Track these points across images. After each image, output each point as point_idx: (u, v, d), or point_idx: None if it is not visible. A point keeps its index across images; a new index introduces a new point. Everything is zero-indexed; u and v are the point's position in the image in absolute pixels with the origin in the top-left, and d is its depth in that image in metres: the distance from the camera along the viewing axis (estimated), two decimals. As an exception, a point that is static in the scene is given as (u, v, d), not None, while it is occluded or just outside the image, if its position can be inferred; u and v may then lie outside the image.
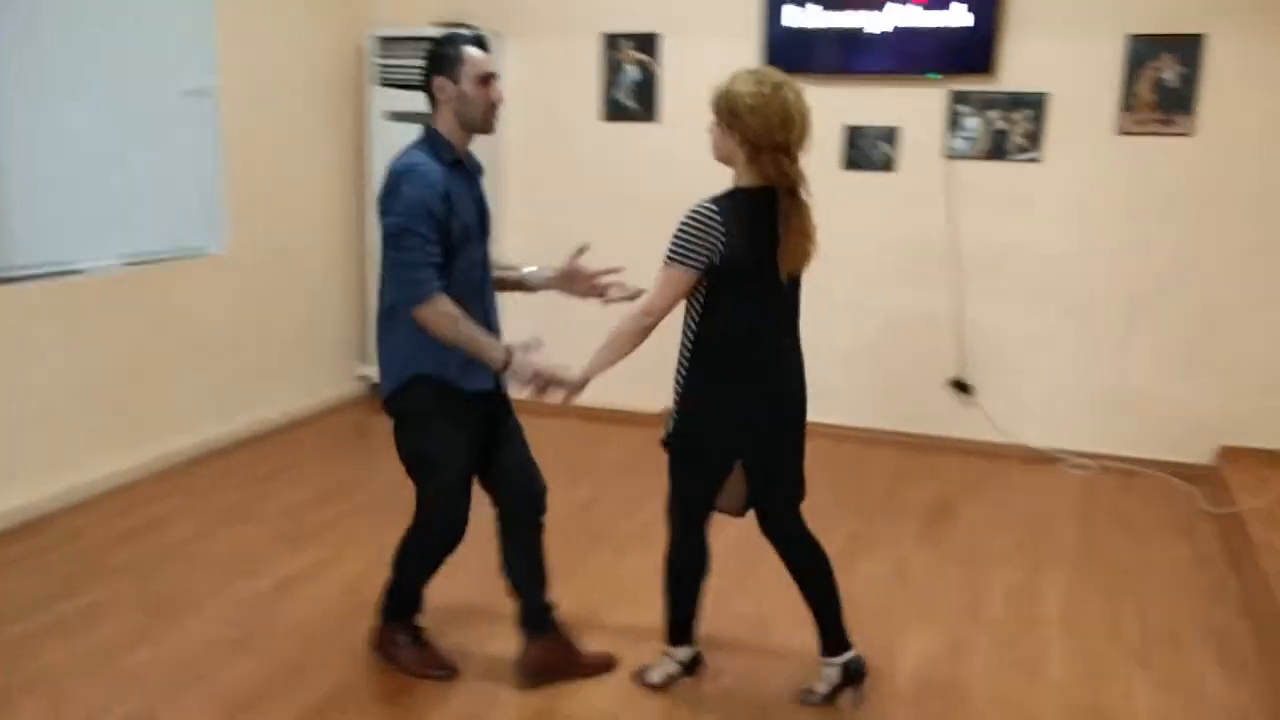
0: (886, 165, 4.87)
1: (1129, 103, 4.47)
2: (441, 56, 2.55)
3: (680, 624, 2.81)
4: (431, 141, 2.60)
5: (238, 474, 4.45)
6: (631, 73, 5.15)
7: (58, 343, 3.97)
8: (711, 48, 5.00)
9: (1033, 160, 4.65)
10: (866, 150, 4.88)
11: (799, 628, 2.91)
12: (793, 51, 4.82)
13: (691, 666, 2.86)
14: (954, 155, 4.76)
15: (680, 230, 2.45)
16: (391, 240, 2.50)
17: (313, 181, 5.29)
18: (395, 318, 2.58)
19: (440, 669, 2.87)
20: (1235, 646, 3.15)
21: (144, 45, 4.27)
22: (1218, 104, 4.37)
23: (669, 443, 2.65)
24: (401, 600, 2.91)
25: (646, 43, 5.08)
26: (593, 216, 5.32)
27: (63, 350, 3.99)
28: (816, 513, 4.08)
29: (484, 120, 2.60)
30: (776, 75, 2.47)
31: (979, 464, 4.79)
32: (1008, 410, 4.90)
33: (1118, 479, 4.61)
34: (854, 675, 2.75)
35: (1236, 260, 4.47)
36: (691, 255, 2.44)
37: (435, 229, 2.48)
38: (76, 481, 4.06)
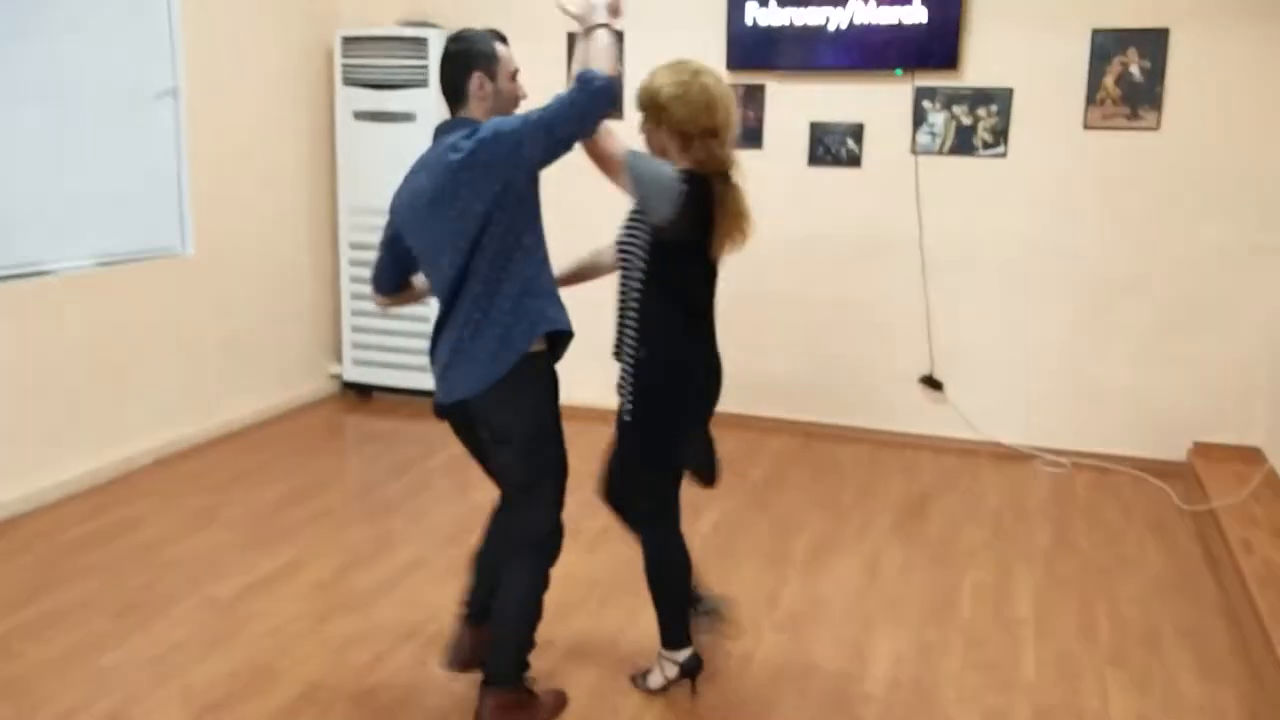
0: (853, 161, 4.86)
1: (1094, 97, 4.47)
2: (479, 53, 2.54)
3: (678, 625, 2.77)
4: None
5: (209, 474, 4.41)
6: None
7: (27, 342, 3.93)
8: (675, 45, 4.94)
9: (999, 155, 4.65)
10: (832, 146, 4.86)
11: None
12: (757, 49, 4.81)
13: (692, 669, 2.78)
14: (920, 151, 4.74)
15: (657, 167, 2.49)
16: (544, 124, 2.37)
17: (282, 181, 5.23)
18: (494, 304, 2.43)
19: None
20: (1212, 645, 3.13)
21: (111, 47, 4.22)
22: (1183, 98, 4.38)
23: (634, 422, 2.64)
24: (518, 656, 2.64)
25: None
26: (560, 215, 5.27)
27: (32, 350, 3.95)
28: (787, 511, 4.11)
29: (511, 114, 2.57)
30: (694, 64, 2.55)
31: (951, 461, 4.78)
32: (979, 407, 4.90)
33: (1091, 476, 4.61)
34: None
35: (1205, 254, 4.48)
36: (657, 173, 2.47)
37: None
38: (46, 482, 4.03)
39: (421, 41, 5.06)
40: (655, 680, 2.79)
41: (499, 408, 2.46)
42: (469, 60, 2.52)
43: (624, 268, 2.61)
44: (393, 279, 2.69)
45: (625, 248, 2.60)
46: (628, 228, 2.61)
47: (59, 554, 3.60)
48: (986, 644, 3.11)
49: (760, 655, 3.00)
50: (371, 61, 5.14)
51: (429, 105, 5.08)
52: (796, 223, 4.99)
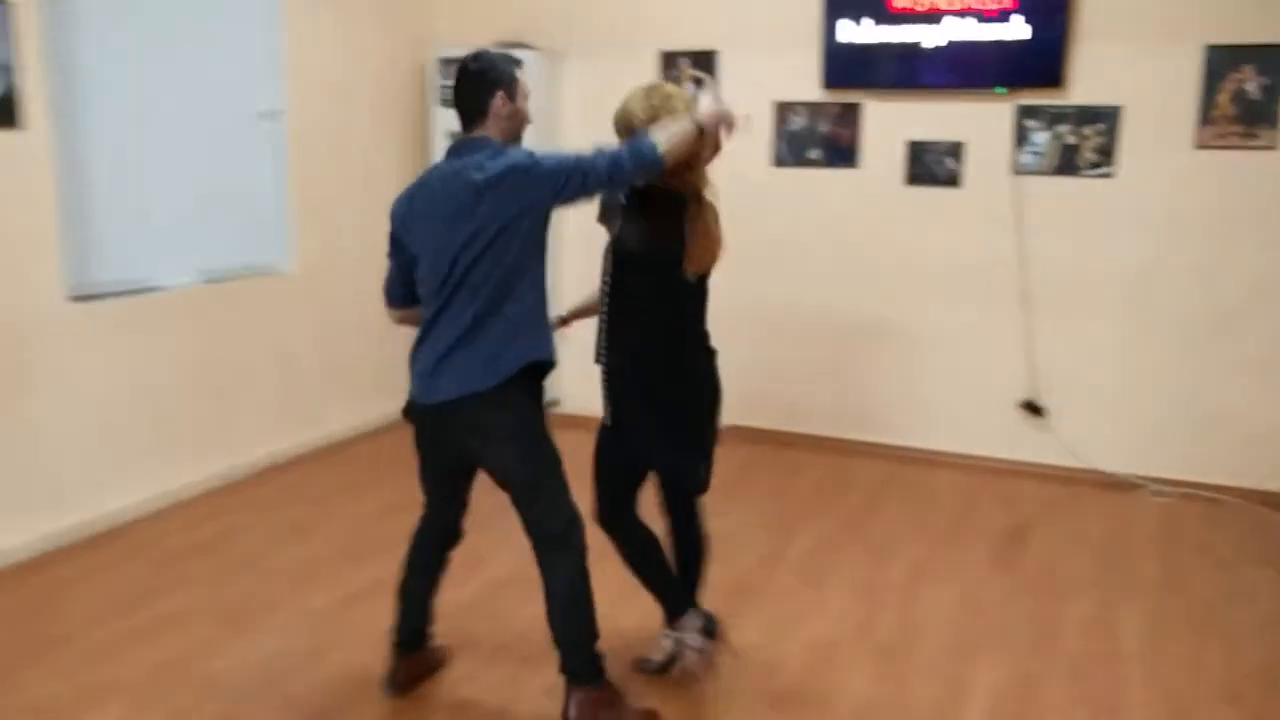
0: (952, 181, 4.77)
1: (1208, 115, 4.31)
2: (504, 74, 2.62)
3: (672, 595, 2.86)
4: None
5: (307, 486, 4.52)
6: (689, 90, 5.12)
7: (136, 356, 4.08)
8: (770, 64, 4.96)
9: (1105, 175, 4.51)
10: (930, 165, 4.79)
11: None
12: (853, 67, 4.76)
13: (710, 630, 2.87)
14: (1022, 170, 4.64)
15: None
16: (582, 172, 2.49)
17: (378, 201, 5.31)
18: (491, 321, 2.51)
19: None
20: (1330, 685, 2.98)
21: (220, 69, 4.39)
22: (1303, 115, 4.20)
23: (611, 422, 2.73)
24: (588, 653, 2.65)
25: (704, 60, 5.05)
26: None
27: (141, 364, 4.10)
28: (881, 537, 4.03)
29: (520, 135, 2.71)
30: (667, 89, 2.66)
31: (1052, 489, 4.64)
32: (1083, 434, 4.74)
33: (1201, 507, 4.42)
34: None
35: (1325, 277, 4.28)
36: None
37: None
38: (154, 491, 4.17)
39: (517, 62, 5.13)
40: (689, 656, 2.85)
41: (487, 409, 2.52)
42: (494, 79, 2.60)
43: (602, 277, 2.71)
44: (404, 289, 2.74)
45: (604, 259, 2.71)
46: (608, 242, 2.73)
47: (166, 561, 3.72)
48: (1091, 678, 2.99)
49: (854, 685, 2.94)
50: (468, 83, 5.24)
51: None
52: (893, 242, 4.92)
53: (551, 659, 2.66)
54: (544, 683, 2.84)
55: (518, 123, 2.65)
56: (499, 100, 2.58)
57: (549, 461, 2.60)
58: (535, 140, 5.54)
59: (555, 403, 5.59)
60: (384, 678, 2.87)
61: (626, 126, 2.63)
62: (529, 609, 3.33)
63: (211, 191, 4.41)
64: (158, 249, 4.20)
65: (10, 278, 3.58)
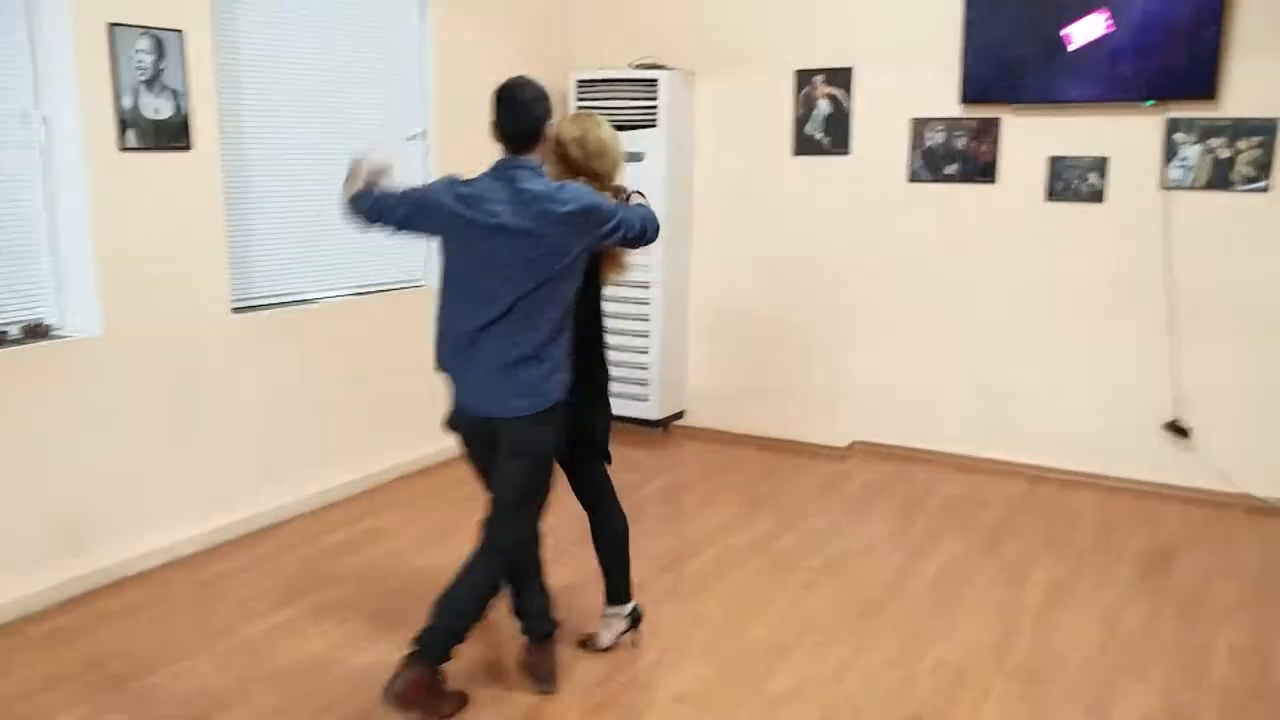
0: (1095, 197, 4.66)
1: (1375, 127, 4.11)
2: (552, 103, 2.92)
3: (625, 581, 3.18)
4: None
5: (449, 489, 4.68)
6: (824, 107, 5.15)
7: (291, 364, 4.32)
8: (909, 79, 4.94)
9: (1260, 190, 4.34)
10: (1072, 181, 4.69)
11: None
12: (993, 82, 4.70)
13: (635, 619, 3.21)
14: (1171, 186, 4.50)
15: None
16: (624, 224, 2.75)
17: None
18: (551, 346, 2.73)
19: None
20: None
21: (369, 93, 4.61)
22: None
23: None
24: (450, 643, 2.80)
25: (840, 77, 5.07)
26: (784, 249, 5.35)
27: (295, 371, 4.33)
28: (1017, 556, 3.96)
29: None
30: (595, 118, 2.99)
31: (1197, 513, 4.48)
32: (1231, 457, 4.56)
33: (1360, 536, 4.21)
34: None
35: None
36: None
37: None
38: (308, 491, 4.41)
39: (652, 83, 5.25)
40: (605, 638, 3.19)
41: (535, 427, 2.72)
42: (548, 107, 2.84)
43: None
44: (397, 221, 2.87)
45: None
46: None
47: (319, 558, 3.92)
48: (1245, 712, 2.89)
49: (989, 708, 2.91)
50: (604, 103, 5.37)
51: (659, 145, 5.25)
52: (1033, 259, 4.84)
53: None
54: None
55: (551, 149, 2.93)
56: (550, 127, 2.84)
57: (541, 488, 2.82)
58: (672, 157, 5.65)
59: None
60: (534, 676, 3.00)
61: (556, 141, 2.93)
62: (591, 602, 3.42)
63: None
64: (313, 264, 4.44)
65: (186, 289, 3.84)
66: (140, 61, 3.56)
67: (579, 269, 2.72)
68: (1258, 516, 4.42)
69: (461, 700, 2.89)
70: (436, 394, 5.03)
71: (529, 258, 2.64)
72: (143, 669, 3.07)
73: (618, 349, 5.50)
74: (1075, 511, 4.50)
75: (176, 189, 3.77)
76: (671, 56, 5.41)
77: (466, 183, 2.77)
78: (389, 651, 3.16)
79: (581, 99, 5.44)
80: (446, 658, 2.77)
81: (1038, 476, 4.91)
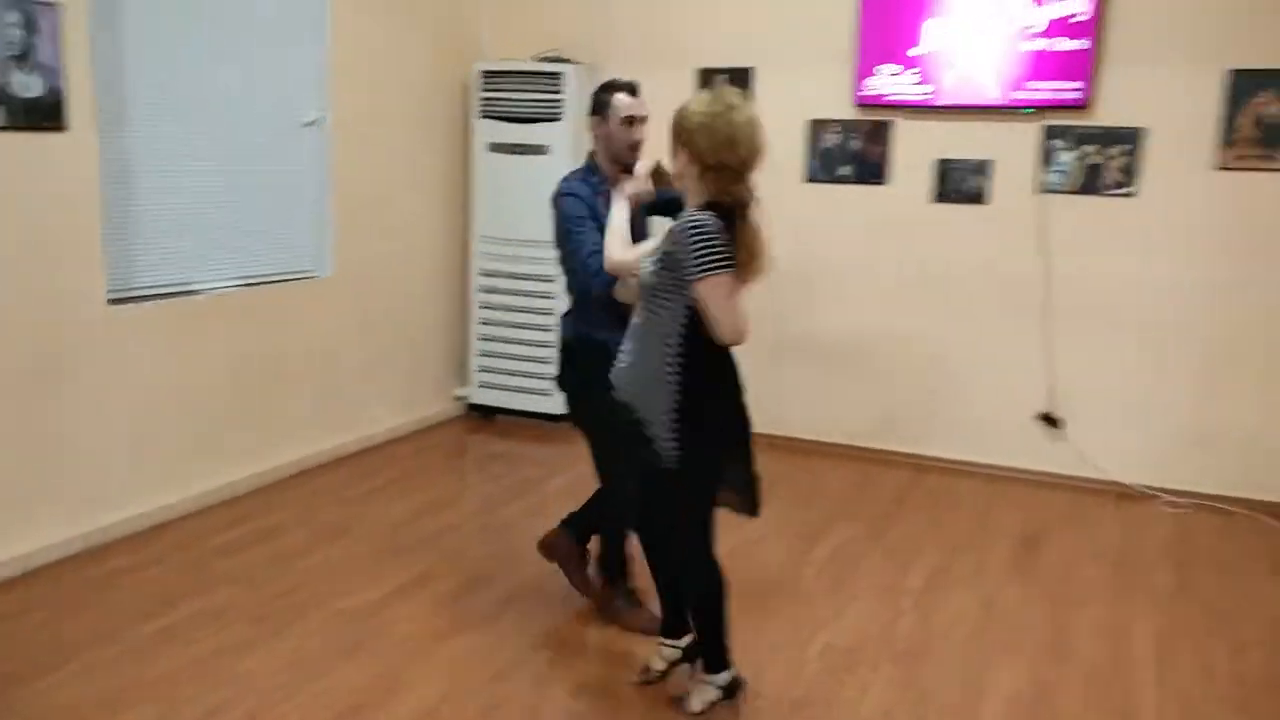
0: (978, 199, 4.87)
1: (1229, 138, 4.39)
2: (596, 100, 3.10)
3: (718, 648, 2.85)
4: (588, 168, 3.16)
5: (342, 488, 4.61)
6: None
7: (176, 358, 4.16)
8: (806, 80, 5.06)
9: (1128, 195, 4.60)
10: (958, 183, 4.89)
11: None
12: (886, 85, 4.87)
13: (731, 690, 2.87)
14: (1047, 189, 4.73)
15: (700, 240, 2.47)
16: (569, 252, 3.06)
17: (418, 209, 5.49)
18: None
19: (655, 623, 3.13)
20: (1338, 696, 3.06)
21: (264, 77, 4.49)
22: (1324, 139, 4.28)
23: (682, 466, 2.65)
24: (588, 528, 3.44)
25: (741, 77, 5.16)
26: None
27: (181, 365, 4.18)
28: (902, 543, 4.13)
29: (625, 155, 3.09)
30: (732, 98, 2.55)
31: (1069, 499, 4.73)
32: (1099, 446, 4.83)
33: (1213, 518, 4.51)
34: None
35: (1342, 298, 4.36)
36: (720, 257, 2.48)
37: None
38: (189, 492, 4.24)
39: (557, 76, 5.25)
40: (696, 703, 2.84)
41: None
42: (590, 105, 3.17)
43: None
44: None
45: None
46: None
47: (202, 560, 3.78)
48: (1106, 685, 3.09)
49: (876, 689, 3.04)
50: (508, 95, 5.36)
51: (563, 138, 5.26)
52: (920, 258, 5.02)
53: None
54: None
55: (612, 143, 3.09)
56: (593, 122, 3.09)
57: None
58: (577, 152, 5.67)
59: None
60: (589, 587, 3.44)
61: (680, 125, 2.57)
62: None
63: (253, 196, 4.50)
64: (198, 253, 4.27)
65: (53, 279, 3.62)
66: (9, 36, 3.36)
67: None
68: (1124, 502, 4.69)
69: (590, 586, 3.42)
70: (327, 390, 5.01)
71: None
72: (14, 680, 2.92)
73: (524, 344, 5.52)
74: (957, 499, 4.71)
75: (48, 172, 3.56)
76: (578, 50, 5.42)
77: (577, 182, 3.16)
78: (277, 654, 3.10)
79: (485, 90, 5.42)
80: (585, 539, 3.42)
81: (924, 466, 5.11)
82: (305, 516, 4.26)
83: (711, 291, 2.49)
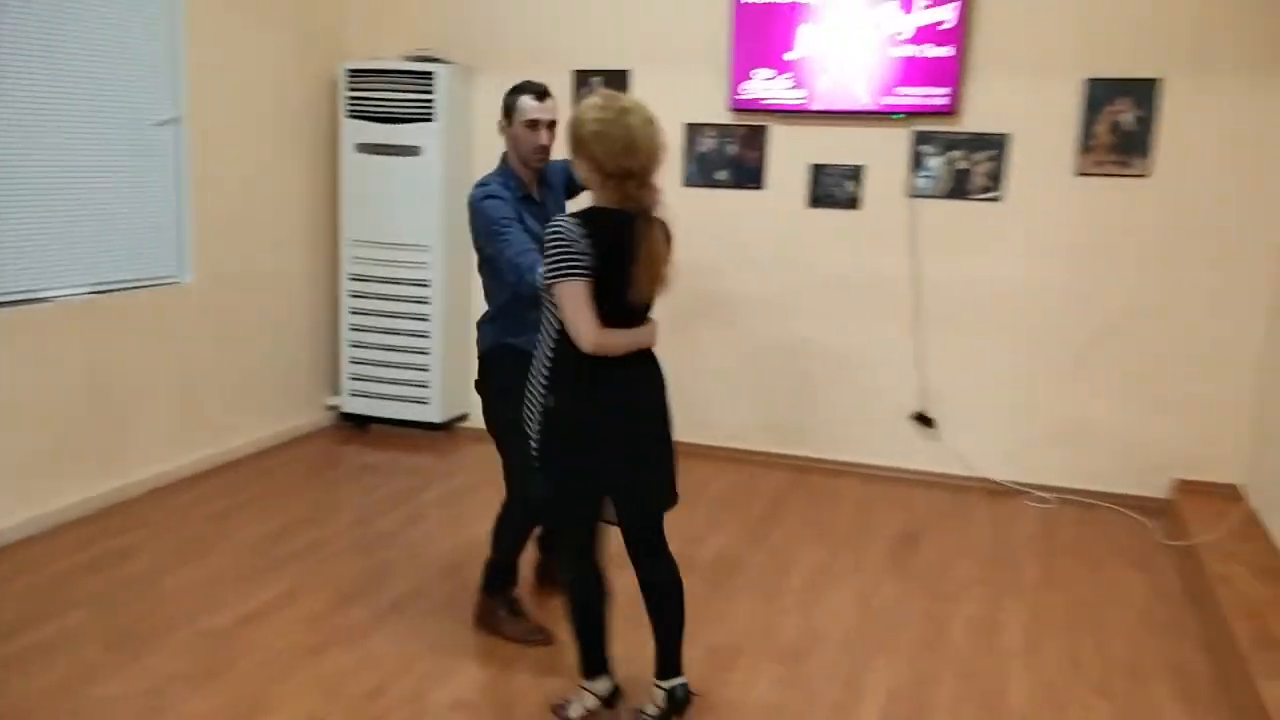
0: (852, 203, 4.95)
1: (1087, 144, 4.58)
2: (505, 103, 3.12)
3: (595, 655, 2.79)
4: (502, 170, 3.15)
5: (205, 504, 4.41)
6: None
7: (22, 369, 3.92)
8: (682, 84, 5.07)
9: (994, 199, 4.75)
10: (831, 188, 4.96)
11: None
12: (760, 90, 4.91)
13: (611, 700, 2.83)
14: (917, 194, 4.85)
15: (555, 246, 2.43)
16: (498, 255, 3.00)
17: (283, 212, 5.28)
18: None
19: (537, 635, 3.25)
20: (1194, 678, 3.20)
21: (114, 73, 4.26)
22: (1173, 147, 4.49)
23: (542, 465, 2.63)
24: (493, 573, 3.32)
25: (617, 79, 5.14)
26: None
27: (26, 377, 3.95)
28: (783, 544, 4.15)
29: (530, 159, 3.12)
30: (624, 101, 2.47)
31: (943, 497, 4.85)
32: (970, 444, 4.97)
33: (1078, 512, 4.68)
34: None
35: (1191, 299, 4.58)
36: (576, 265, 2.42)
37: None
38: (39, 511, 4.01)
39: (428, 75, 5.13)
40: (573, 710, 2.81)
41: None
42: (503, 106, 3.12)
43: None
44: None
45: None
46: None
47: (51, 584, 3.57)
48: (978, 676, 3.16)
49: (759, 688, 3.05)
50: (376, 94, 5.22)
51: (436, 139, 5.15)
52: (795, 262, 5.08)
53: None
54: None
55: (518, 145, 3.10)
56: (500, 125, 3.12)
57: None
58: (449, 154, 5.55)
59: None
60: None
61: (575, 135, 2.48)
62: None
63: (103, 198, 4.27)
64: (44, 257, 4.03)
65: None
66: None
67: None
68: (994, 498, 4.83)
69: (534, 630, 3.26)
70: (188, 401, 4.78)
71: None
72: None
73: (398, 350, 5.38)
74: (837, 499, 4.77)
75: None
76: (450, 50, 5.32)
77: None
78: (133, 680, 2.94)
79: (352, 90, 5.26)
80: (496, 588, 3.29)
81: (804, 467, 5.17)
82: (164, 535, 4.05)
83: (562, 298, 2.46)
